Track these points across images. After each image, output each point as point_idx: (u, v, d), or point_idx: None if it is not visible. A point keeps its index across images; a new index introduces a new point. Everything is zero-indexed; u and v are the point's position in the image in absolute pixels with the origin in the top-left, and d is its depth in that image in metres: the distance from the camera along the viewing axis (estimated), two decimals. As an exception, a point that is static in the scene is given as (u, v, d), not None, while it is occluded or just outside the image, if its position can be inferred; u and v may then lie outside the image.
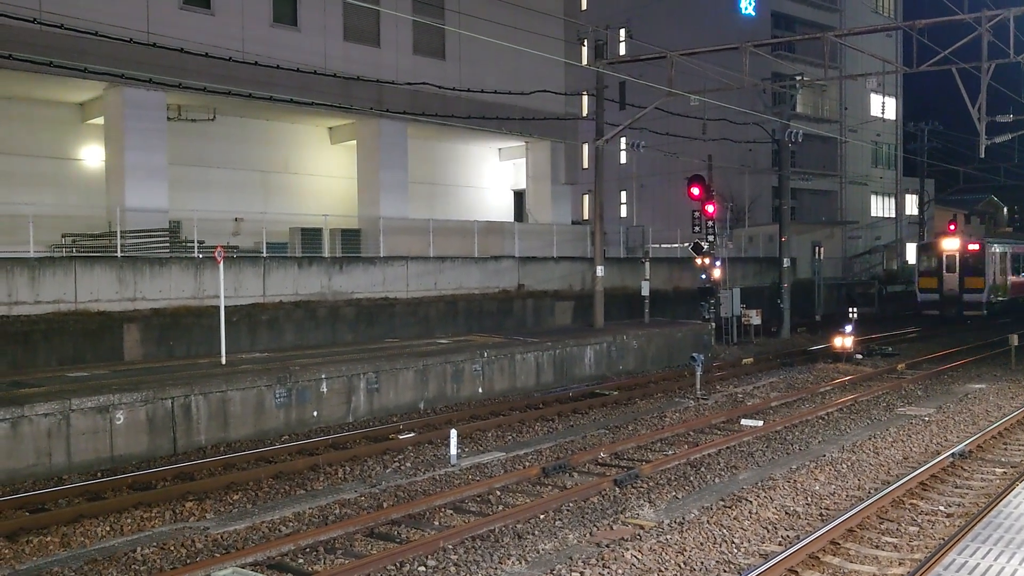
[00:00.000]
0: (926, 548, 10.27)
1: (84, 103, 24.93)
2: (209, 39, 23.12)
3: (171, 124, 24.77)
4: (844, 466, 14.33)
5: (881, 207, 61.99)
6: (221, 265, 19.21)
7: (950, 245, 40.89)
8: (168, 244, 22.69)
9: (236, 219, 26.47)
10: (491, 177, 36.85)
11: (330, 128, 30.54)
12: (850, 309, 29.04)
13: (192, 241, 22.82)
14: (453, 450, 14.69)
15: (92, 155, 25.30)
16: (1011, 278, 43.75)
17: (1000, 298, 42.03)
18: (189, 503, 12.34)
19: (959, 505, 12.16)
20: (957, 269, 40.38)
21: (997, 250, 42.16)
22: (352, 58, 27.11)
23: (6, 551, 10.40)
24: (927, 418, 18.59)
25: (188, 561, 10.00)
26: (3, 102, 23.59)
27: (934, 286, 40.76)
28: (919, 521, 11.40)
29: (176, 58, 22.09)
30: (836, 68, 48.27)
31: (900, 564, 9.79)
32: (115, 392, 14.91)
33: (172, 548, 10.49)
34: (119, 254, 20.88)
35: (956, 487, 13.19)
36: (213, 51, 22.36)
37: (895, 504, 12.08)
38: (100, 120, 24.37)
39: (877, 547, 10.42)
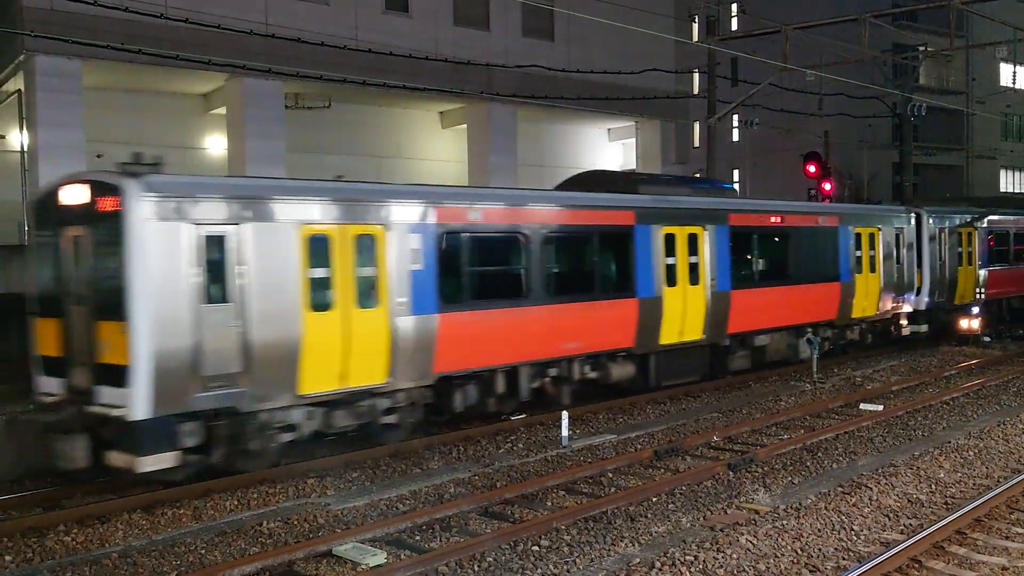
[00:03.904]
0: (1060, 540, 9.82)
1: (207, 94, 25.90)
2: (324, 28, 23.66)
3: (289, 112, 25.51)
4: (971, 453, 13.78)
5: (1012, 182, 58.97)
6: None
7: (71, 198, 12.39)
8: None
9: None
10: (600, 158, 36.63)
11: (441, 113, 30.90)
12: (976, 288, 27.80)
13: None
14: (564, 432, 14.76)
15: (215, 144, 26.29)
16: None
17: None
18: (311, 480, 12.78)
19: (1097, 496, 11.56)
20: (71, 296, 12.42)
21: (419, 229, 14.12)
22: (462, 42, 27.32)
23: (143, 522, 11.00)
24: (1062, 404, 17.70)
25: (311, 536, 10.38)
26: (133, 95, 24.70)
27: (54, 353, 12.63)
28: (1053, 512, 10.90)
29: (293, 48, 22.70)
30: (962, 37, 46.07)
31: (1032, 556, 9.39)
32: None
33: (296, 523, 10.91)
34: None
35: (1094, 477, 12.53)
36: (328, 40, 22.86)
37: (1026, 493, 11.58)
38: (222, 110, 25.28)
39: (1007, 538, 10.01)
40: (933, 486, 12.03)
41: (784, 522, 10.42)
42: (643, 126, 34.17)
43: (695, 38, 37.43)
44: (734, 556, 9.34)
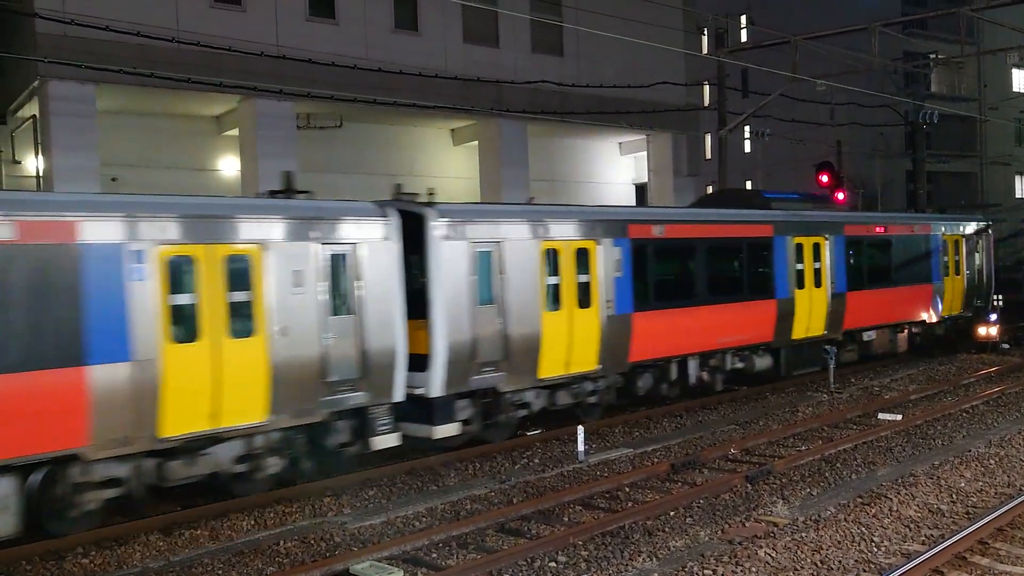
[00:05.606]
0: (1084, 549, 9.70)
1: (220, 116, 26.07)
2: (334, 48, 23.81)
3: (301, 132, 25.63)
4: (992, 462, 13.66)
5: (1027, 188, 58.61)
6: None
7: None
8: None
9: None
10: (611, 172, 36.63)
11: (452, 130, 30.99)
12: (994, 296, 27.61)
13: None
14: (580, 446, 14.71)
15: (228, 165, 26.43)
16: None
17: None
18: (327, 499, 12.78)
19: (1121, 503, 11.41)
20: None
21: None
22: (472, 59, 27.44)
23: (161, 544, 11.01)
24: (1083, 411, 17.53)
25: (328, 554, 10.37)
26: (147, 118, 24.88)
27: None
28: (1076, 520, 10.77)
29: (304, 69, 22.84)
30: (973, 44, 45.89)
31: (1056, 565, 9.28)
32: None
33: (313, 541, 10.90)
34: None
35: (1117, 484, 12.40)
36: (338, 60, 23.00)
37: (1049, 502, 11.44)
38: (235, 132, 25.43)
39: (1030, 547, 9.90)
40: (954, 496, 11.92)
41: (803, 534, 10.34)
42: (654, 139, 34.16)
43: (704, 50, 37.47)
44: (753, 570, 9.27)
